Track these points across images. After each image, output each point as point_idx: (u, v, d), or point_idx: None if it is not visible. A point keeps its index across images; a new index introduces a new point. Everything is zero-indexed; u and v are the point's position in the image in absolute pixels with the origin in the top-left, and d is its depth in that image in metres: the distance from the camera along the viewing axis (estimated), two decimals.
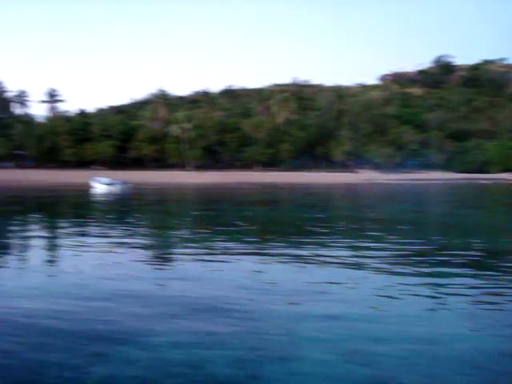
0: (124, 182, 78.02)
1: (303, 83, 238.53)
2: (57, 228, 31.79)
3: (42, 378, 9.57)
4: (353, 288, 15.69)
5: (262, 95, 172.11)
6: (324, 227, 31.08)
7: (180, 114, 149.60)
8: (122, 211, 44.59)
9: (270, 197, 64.46)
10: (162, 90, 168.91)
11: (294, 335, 11.73)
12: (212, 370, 9.86)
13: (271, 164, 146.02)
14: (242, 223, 32.92)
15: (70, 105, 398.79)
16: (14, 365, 10.04)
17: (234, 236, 26.79)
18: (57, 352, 10.61)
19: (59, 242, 25.71)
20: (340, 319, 12.71)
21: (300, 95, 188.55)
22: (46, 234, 28.88)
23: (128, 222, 33.95)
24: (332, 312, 13.20)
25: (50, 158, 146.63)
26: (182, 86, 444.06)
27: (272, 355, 10.59)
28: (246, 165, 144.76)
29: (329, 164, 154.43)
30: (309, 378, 9.65)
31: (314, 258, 20.44)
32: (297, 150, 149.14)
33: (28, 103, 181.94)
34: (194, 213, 44.19)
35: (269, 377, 9.64)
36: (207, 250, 22.32)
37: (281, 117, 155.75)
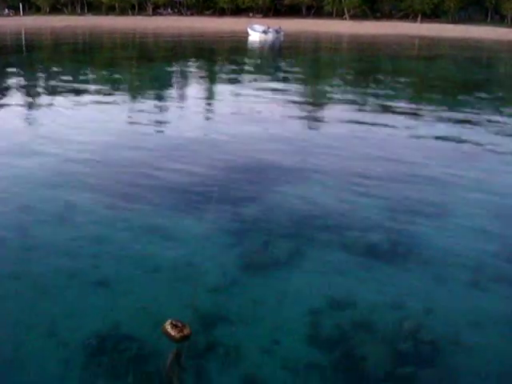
0: (279, 31, 77.40)
1: None
2: (214, 74, 33.29)
3: None
4: None
5: None
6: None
7: None
8: (275, 59, 45.07)
9: (429, 51, 60.83)
10: None
11: None
12: None
13: (434, 15, 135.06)
14: (391, 78, 32.03)
15: None
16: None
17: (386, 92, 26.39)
18: None
19: (215, 88, 27.17)
20: None
21: None
22: (204, 82, 30.45)
23: (281, 71, 34.48)
24: None
25: (206, 5, 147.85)
26: None
27: None
28: (407, 15, 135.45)
29: (499, 19, 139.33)
30: None
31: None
32: (464, 0, 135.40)
33: None
34: (348, 64, 43.41)
35: None
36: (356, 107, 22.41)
37: None
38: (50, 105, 21.03)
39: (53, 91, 24.57)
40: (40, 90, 25.65)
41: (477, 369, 6.36)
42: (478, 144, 16.00)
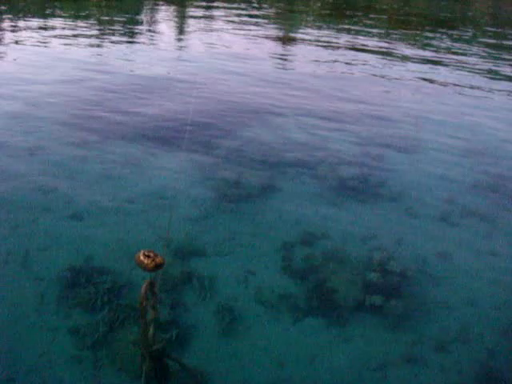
0: None
1: None
2: (185, 11, 32.31)
3: None
4: None
5: None
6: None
7: None
8: None
9: None
10: None
11: None
12: None
13: None
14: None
15: None
16: None
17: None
18: None
19: (187, 25, 26.44)
20: None
21: None
22: (176, 18, 29.57)
23: (253, 7, 33.63)
24: None
25: None
26: None
27: None
28: None
29: None
30: None
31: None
32: None
33: None
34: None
35: None
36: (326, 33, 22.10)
37: None
38: (17, 42, 20.25)
39: (19, 28, 23.60)
40: (6, 27, 24.61)
41: (443, 298, 6.59)
42: (448, 81, 16.02)
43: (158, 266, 4.33)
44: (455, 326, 6.15)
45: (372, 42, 21.38)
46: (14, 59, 16.60)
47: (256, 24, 24.48)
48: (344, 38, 22.01)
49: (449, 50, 20.39)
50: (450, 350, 5.83)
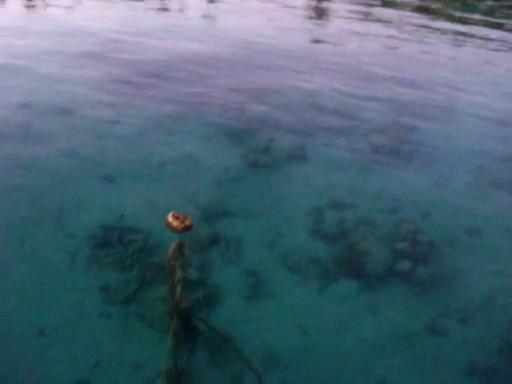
0: None
1: None
2: None
3: None
4: None
5: None
6: None
7: None
8: None
9: None
10: None
11: None
12: None
13: None
14: None
15: None
16: None
17: None
18: None
19: None
20: None
21: None
22: None
23: None
24: None
25: None
26: None
27: None
28: None
29: None
30: None
31: None
32: None
33: None
34: None
35: None
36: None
37: None
38: (47, 6, 20.24)
39: None
40: None
41: (469, 269, 6.56)
42: (484, 52, 15.57)
43: (186, 228, 4.40)
44: (479, 297, 6.13)
45: (406, 13, 20.81)
46: (46, 21, 16.63)
47: None
48: (378, 3, 21.47)
49: (484, 22, 19.76)
50: (473, 321, 5.83)
